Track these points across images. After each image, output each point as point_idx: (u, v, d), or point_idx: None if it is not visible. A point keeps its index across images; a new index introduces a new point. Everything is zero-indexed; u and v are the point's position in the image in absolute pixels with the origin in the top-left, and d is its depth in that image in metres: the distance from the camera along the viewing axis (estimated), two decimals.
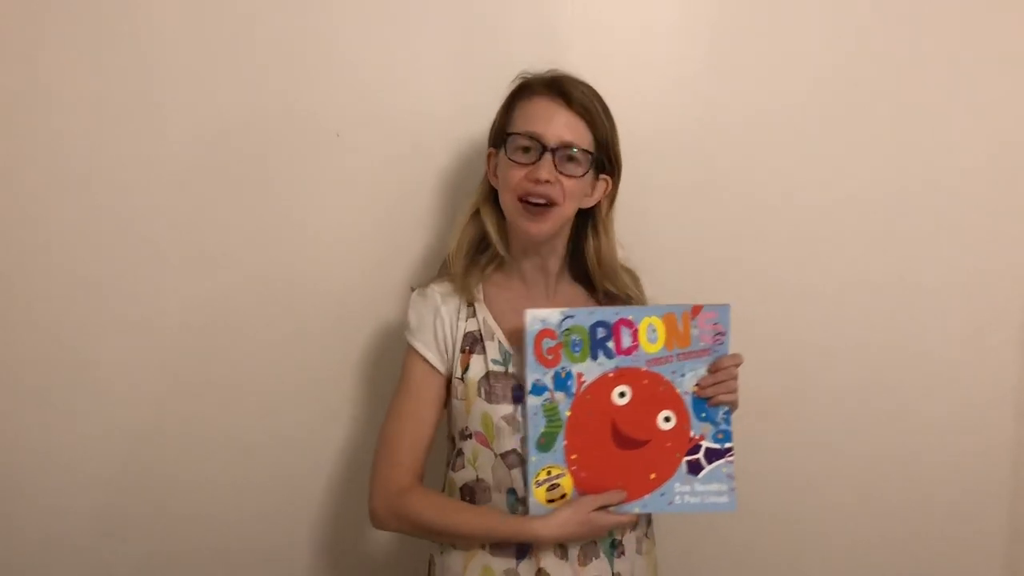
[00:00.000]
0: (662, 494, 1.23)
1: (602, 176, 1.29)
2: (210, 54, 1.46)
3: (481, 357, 1.26)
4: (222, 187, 1.50)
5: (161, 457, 1.54)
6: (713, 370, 1.23)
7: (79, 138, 1.45)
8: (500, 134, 1.28)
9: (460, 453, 1.28)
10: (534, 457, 1.21)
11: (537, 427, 1.22)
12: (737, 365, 1.24)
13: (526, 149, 1.23)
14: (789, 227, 1.56)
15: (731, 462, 1.24)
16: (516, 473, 1.23)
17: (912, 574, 1.61)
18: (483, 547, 1.25)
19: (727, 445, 1.24)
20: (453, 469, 1.30)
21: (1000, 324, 1.54)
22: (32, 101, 1.44)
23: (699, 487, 1.24)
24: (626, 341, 1.23)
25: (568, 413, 1.22)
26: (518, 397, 1.24)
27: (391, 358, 1.51)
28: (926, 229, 1.54)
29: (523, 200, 1.23)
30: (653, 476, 1.23)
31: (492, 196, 1.31)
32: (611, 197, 1.32)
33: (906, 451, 1.58)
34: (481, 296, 1.30)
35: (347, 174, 1.52)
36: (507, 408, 1.24)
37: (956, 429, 1.56)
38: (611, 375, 1.23)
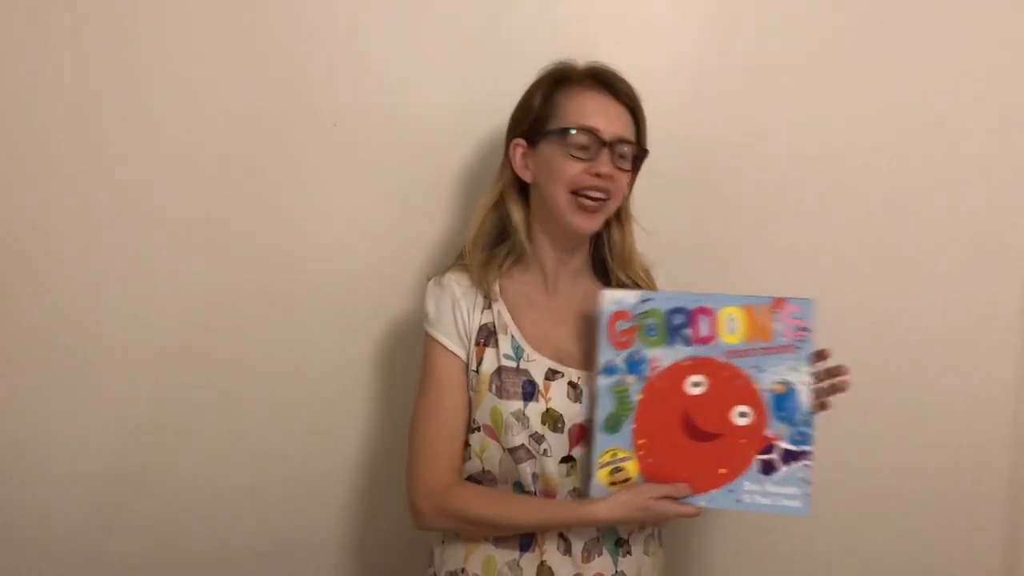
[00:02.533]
0: (730, 491, 1.19)
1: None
2: (209, 47, 1.45)
3: (493, 351, 1.25)
4: (223, 179, 1.49)
5: (164, 453, 1.52)
6: (827, 375, 1.20)
7: (75, 132, 1.44)
8: (540, 125, 1.25)
9: (467, 444, 1.27)
10: (600, 437, 1.21)
11: (605, 408, 1.21)
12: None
13: (583, 145, 1.22)
14: (787, 218, 1.56)
15: (808, 466, 1.18)
16: (524, 467, 1.23)
17: (911, 563, 1.59)
18: (486, 539, 1.24)
19: (805, 448, 1.19)
20: None
21: (1000, 314, 1.52)
22: (26, 95, 1.43)
23: (771, 488, 1.19)
24: (704, 330, 1.21)
25: (639, 397, 1.21)
26: (528, 394, 1.23)
27: (399, 351, 1.53)
28: (926, 220, 1.53)
29: (578, 194, 1.23)
30: (723, 471, 1.19)
31: (516, 187, 1.30)
32: (631, 185, 1.32)
33: (904, 441, 1.57)
34: (498, 290, 1.29)
35: (348, 167, 1.51)
36: (517, 404, 1.23)
37: (955, 419, 1.55)
38: (686, 363, 1.21)
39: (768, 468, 1.19)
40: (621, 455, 1.21)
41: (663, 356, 1.21)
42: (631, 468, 1.20)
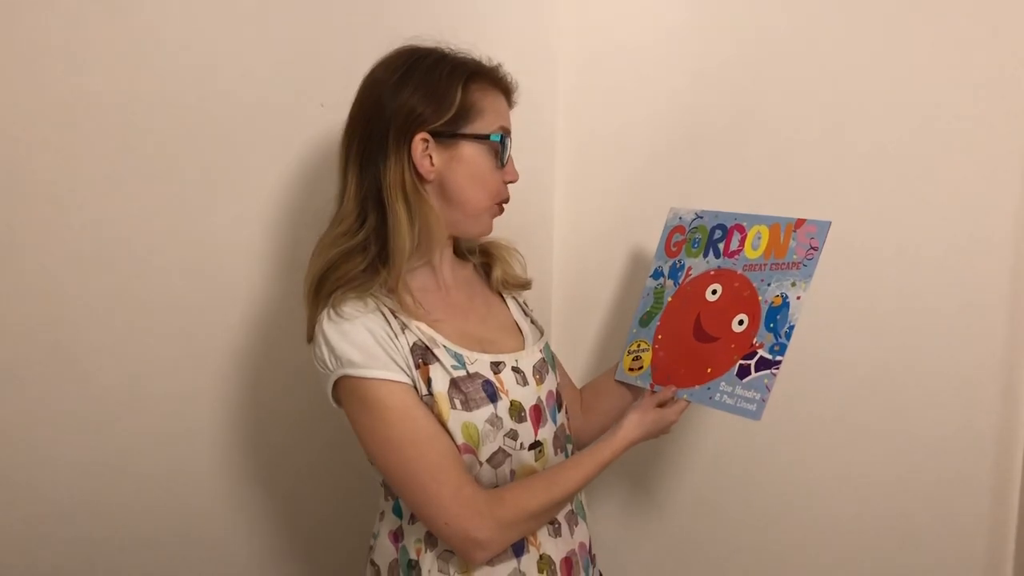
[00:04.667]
0: (707, 388, 1.23)
1: None
2: (193, 32, 1.30)
3: (438, 366, 1.11)
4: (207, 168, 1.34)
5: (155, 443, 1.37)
6: None
7: (73, 124, 1.22)
8: (459, 122, 1.12)
9: None
10: (634, 330, 1.38)
11: (645, 306, 1.38)
12: None
13: (501, 153, 1.16)
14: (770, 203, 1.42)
15: (775, 375, 1.16)
16: (502, 471, 1.15)
17: (896, 549, 1.54)
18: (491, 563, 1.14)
19: (778, 358, 1.17)
20: None
21: (987, 299, 1.43)
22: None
23: (738, 391, 1.19)
24: (734, 245, 1.29)
25: (670, 299, 1.35)
26: (491, 394, 1.14)
27: None
28: (913, 205, 1.46)
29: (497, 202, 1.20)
30: (709, 371, 1.24)
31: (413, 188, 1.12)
32: None
33: (889, 427, 1.52)
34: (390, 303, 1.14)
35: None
36: (488, 409, 1.12)
37: (942, 407, 1.48)
38: (712, 273, 1.31)
39: (743, 372, 1.20)
40: (643, 346, 1.35)
41: (696, 265, 1.33)
42: (646, 359, 1.34)
